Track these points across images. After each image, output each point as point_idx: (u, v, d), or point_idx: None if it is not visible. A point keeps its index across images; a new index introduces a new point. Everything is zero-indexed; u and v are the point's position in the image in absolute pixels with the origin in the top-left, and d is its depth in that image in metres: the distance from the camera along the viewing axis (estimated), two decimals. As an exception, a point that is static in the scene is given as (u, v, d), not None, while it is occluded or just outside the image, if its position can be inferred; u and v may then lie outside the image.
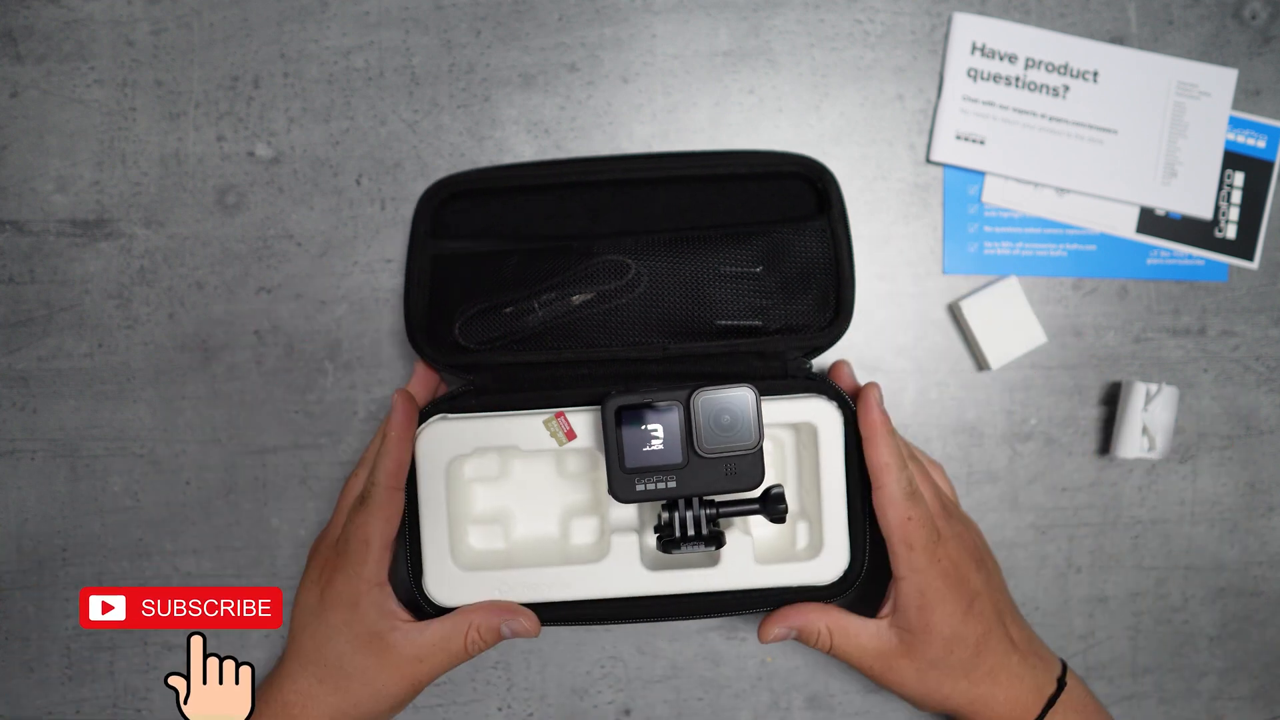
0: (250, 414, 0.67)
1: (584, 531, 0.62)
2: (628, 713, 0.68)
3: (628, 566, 0.58)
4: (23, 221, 0.66)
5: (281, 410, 0.67)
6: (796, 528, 0.61)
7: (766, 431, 0.58)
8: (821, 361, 0.65)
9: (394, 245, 0.66)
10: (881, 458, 0.56)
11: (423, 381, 0.62)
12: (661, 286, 0.60)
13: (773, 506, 0.56)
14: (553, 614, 0.58)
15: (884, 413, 0.57)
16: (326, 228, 0.66)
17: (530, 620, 0.57)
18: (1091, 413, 0.68)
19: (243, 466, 0.67)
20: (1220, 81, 0.67)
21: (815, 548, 0.59)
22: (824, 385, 0.59)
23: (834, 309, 0.61)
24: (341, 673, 0.57)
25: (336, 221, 0.66)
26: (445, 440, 0.58)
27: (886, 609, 0.57)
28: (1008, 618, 0.58)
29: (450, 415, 0.59)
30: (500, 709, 0.68)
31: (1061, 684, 0.58)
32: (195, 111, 0.66)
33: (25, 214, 0.66)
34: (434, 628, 0.57)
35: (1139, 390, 0.65)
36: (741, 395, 0.55)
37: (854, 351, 0.67)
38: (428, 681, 0.58)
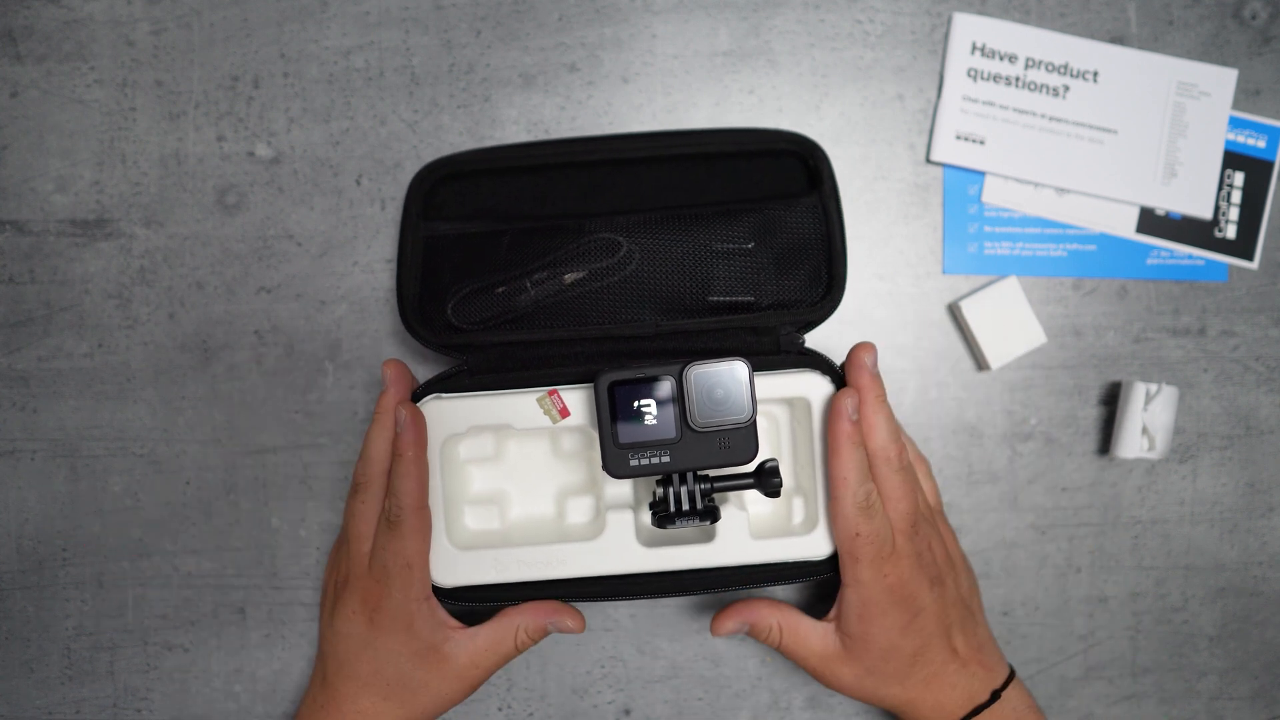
0: (250, 414, 0.67)
1: (579, 510, 0.62)
2: (628, 713, 0.68)
3: (623, 543, 0.59)
4: (23, 221, 0.66)
5: (281, 410, 0.67)
6: (792, 503, 0.61)
7: (760, 407, 0.58)
8: (826, 343, 0.65)
9: (394, 245, 0.66)
10: (838, 470, 0.56)
11: (402, 386, 0.59)
12: (653, 264, 0.60)
13: (767, 481, 0.56)
14: (549, 592, 0.59)
15: (852, 423, 0.56)
16: (326, 228, 0.66)
17: (576, 620, 0.59)
18: (1091, 413, 0.68)
19: (243, 466, 0.67)
20: (1220, 81, 0.67)
21: (810, 523, 0.59)
22: (817, 360, 0.59)
23: (826, 284, 0.61)
24: (405, 688, 0.58)
25: (336, 221, 0.66)
26: (439, 420, 0.58)
27: (833, 613, 0.59)
28: (956, 629, 0.59)
29: (444, 395, 0.59)
30: (500, 709, 0.68)
31: (995, 695, 0.59)
32: (195, 111, 0.66)
33: (25, 214, 0.66)
34: (484, 634, 0.58)
35: (1139, 390, 0.65)
36: (734, 369, 0.55)
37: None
38: (484, 680, 0.60)
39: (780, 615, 0.59)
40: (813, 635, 0.59)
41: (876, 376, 0.57)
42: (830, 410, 0.57)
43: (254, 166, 0.66)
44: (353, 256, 0.66)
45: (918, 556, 0.57)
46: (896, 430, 0.57)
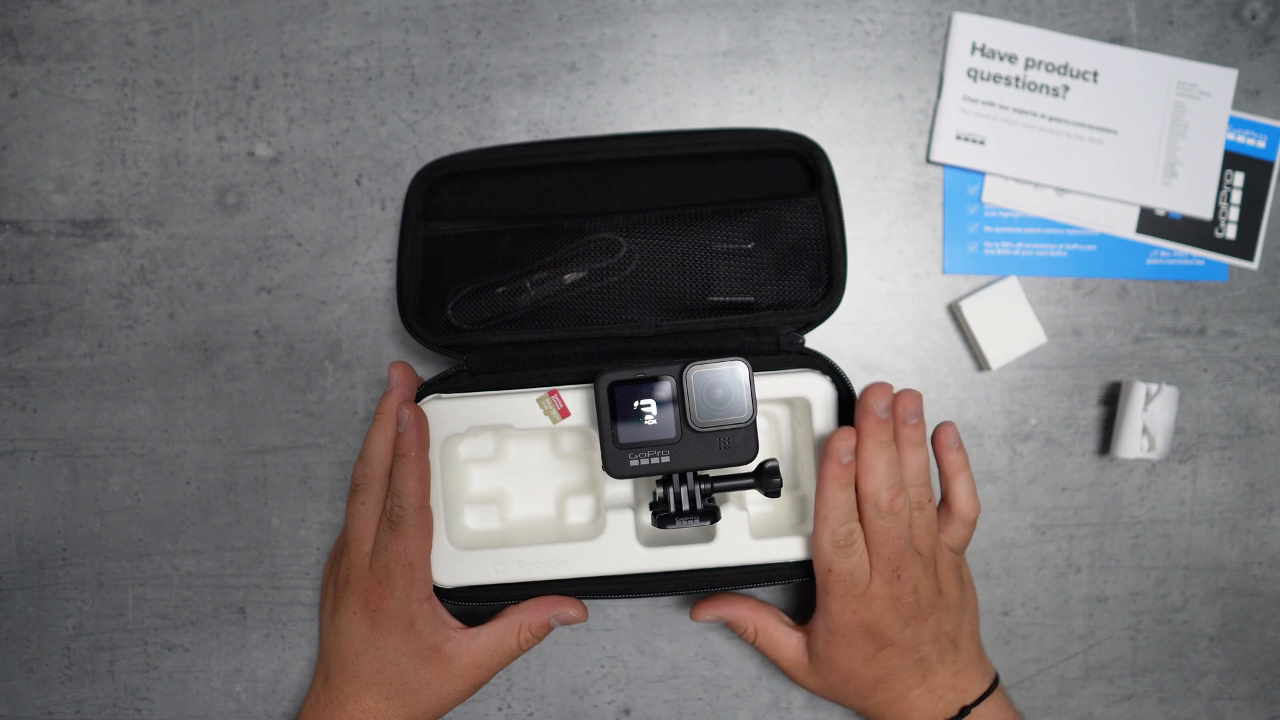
0: (250, 414, 0.67)
1: (580, 510, 0.63)
2: (628, 713, 0.68)
3: (623, 544, 0.59)
4: (23, 221, 0.66)
5: (281, 410, 0.67)
6: (792, 503, 0.61)
7: (761, 407, 0.58)
8: (826, 343, 0.65)
9: (394, 245, 0.66)
10: (819, 508, 0.56)
11: (407, 388, 0.60)
12: (653, 264, 0.60)
13: (767, 481, 0.56)
14: (549, 592, 0.59)
15: (842, 465, 0.55)
16: (326, 228, 0.66)
17: (578, 609, 0.60)
18: (1091, 413, 0.68)
19: (243, 466, 0.67)
20: (1220, 81, 0.67)
21: (810, 523, 0.59)
22: (817, 360, 0.59)
23: (826, 284, 0.61)
24: (408, 687, 0.58)
25: (336, 221, 0.66)
26: (439, 420, 0.58)
27: (806, 627, 0.60)
28: (934, 661, 0.59)
29: (444, 395, 0.59)
30: (500, 709, 0.68)
31: (965, 711, 0.60)
32: (195, 111, 0.66)
33: (25, 214, 0.66)
34: (486, 634, 0.59)
35: (1139, 390, 0.65)
36: (734, 369, 0.55)
37: (854, 351, 0.67)
38: (487, 680, 0.60)
39: (758, 618, 0.61)
40: (785, 643, 0.61)
41: (883, 420, 0.56)
42: (823, 446, 0.56)
43: (254, 166, 0.66)
44: (353, 256, 0.66)
45: (894, 600, 0.56)
46: (894, 475, 0.56)
